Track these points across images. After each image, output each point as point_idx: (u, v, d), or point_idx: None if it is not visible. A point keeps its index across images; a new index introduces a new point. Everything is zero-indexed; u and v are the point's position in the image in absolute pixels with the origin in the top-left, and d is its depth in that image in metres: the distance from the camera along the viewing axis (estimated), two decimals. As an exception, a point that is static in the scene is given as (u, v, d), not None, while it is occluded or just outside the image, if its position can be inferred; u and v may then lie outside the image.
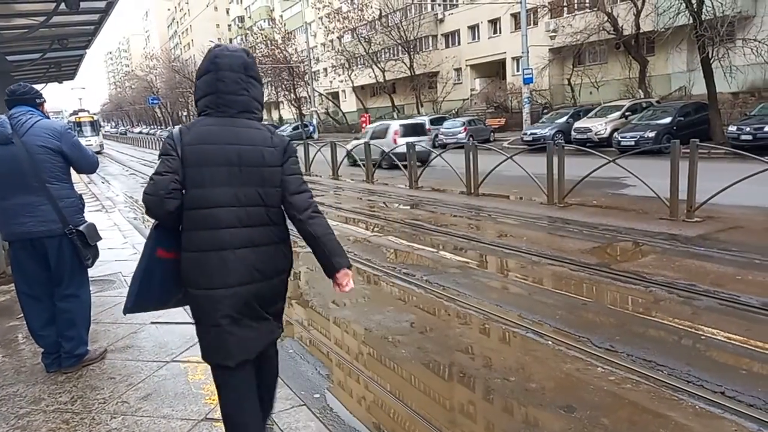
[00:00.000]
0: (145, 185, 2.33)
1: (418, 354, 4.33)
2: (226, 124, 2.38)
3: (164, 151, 2.36)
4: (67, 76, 16.06)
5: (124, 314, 2.72)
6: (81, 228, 3.83)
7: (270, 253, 2.46)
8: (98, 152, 36.50)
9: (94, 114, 48.85)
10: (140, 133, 78.97)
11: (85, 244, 3.85)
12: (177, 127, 2.46)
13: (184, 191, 2.33)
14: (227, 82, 2.37)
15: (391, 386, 3.96)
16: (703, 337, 4.29)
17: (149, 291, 2.54)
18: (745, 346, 4.10)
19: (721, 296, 5.06)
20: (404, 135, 17.49)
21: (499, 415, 3.54)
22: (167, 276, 2.46)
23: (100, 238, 4.04)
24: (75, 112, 44.19)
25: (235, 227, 2.35)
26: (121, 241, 8.78)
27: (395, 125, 18.75)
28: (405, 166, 14.00)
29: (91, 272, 6.79)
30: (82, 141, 32.10)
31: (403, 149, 14.45)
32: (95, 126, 43.19)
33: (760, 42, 18.16)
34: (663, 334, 4.43)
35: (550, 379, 3.82)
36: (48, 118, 4.03)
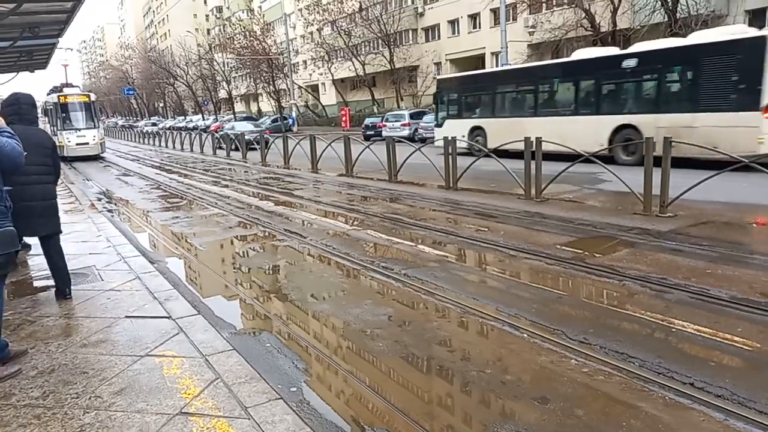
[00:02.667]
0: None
1: (396, 347, 4.36)
2: (26, 128, 4.92)
3: None
4: (38, 65, 15.73)
5: None
6: None
7: (47, 189, 5.21)
8: (97, 156, 25.73)
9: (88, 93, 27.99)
10: (117, 125, 75.82)
11: None
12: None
13: None
14: (24, 109, 5.07)
15: (368, 379, 3.98)
16: (673, 330, 4.39)
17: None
18: (713, 338, 4.21)
19: (691, 290, 5.18)
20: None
21: (475, 407, 3.58)
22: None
23: (15, 247, 3.95)
24: (58, 89, 26.49)
25: (34, 175, 4.96)
26: (95, 234, 8.64)
27: None
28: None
29: (64, 266, 6.69)
30: (72, 136, 24.69)
31: None
32: (92, 111, 25.69)
33: (732, 41, 18.51)
34: (635, 326, 4.53)
35: (525, 371, 3.88)
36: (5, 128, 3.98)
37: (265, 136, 23.17)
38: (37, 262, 7.13)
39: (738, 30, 13.14)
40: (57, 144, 27.06)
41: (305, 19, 47.13)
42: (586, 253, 6.73)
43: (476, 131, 17.94)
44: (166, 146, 35.15)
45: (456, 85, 20.48)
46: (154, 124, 61.84)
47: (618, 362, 3.88)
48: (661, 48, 14.14)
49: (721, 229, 7.44)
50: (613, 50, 16.09)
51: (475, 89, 19.50)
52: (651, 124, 13.34)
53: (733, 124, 11.64)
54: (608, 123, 14.42)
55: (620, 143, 13.73)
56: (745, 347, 4.04)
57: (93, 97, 26.85)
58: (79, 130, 24.98)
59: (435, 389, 3.87)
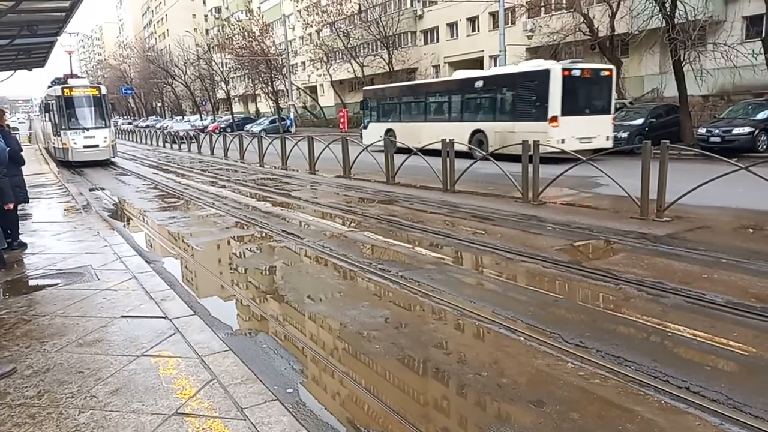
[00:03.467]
0: None
1: (393, 349, 4.35)
2: None
3: None
4: (36, 63, 15.68)
5: None
6: None
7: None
8: (106, 161, 22.11)
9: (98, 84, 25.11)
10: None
11: None
12: None
13: None
14: None
15: (365, 381, 3.98)
16: (669, 334, 4.40)
17: None
18: (709, 342, 4.22)
19: (687, 294, 5.19)
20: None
21: (471, 409, 3.58)
22: None
23: (1, 245, 4.34)
24: (61, 80, 22.18)
25: None
26: (91, 233, 8.62)
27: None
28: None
29: (60, 265, 6.71)
30: (79, 137, 22.26)
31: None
32: (102, 107, 21.80)
33: (729, 46, 18.62)
34: (631, 330, 4.53)
35: (521, 374, 3.88)
36: (8, 132, 4.14)
37: (193, 133, 32.57)
38: (33, 260, 7.11)
39: (538, 63, 18.20)
40: (61, 146, 21.39)
41: (304, 20, 47.13)
42: (583, 256, 6.74)
43: (389, 132, 21.86)
44: (164, 146, 35.09)
45: (376, 95, 25.41)
46: (129, 123, 74.20)
47: (614, 366, 3.89)
48: (496, 74, 19.67)
49: (717, 234, 7.46)
50: (474, 73, 20.93)
51: (388, 99, 24.49)
52: (491, 129, 17.93)
53: (534, 131, 15.43)
54: (468, 128, 18.77)
55: (475, 143, 17.85)
56: (740, 352, 4.06)
57: (104, 90, 22.59)
58: (87, 129, 21.13)
59: (431, 392, 3.87)
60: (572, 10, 24.33)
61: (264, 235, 8.68)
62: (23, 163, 7.72)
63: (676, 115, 18.94)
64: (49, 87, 22.63)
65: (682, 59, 18.30)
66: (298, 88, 52.09)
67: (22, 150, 7.58)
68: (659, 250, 6.81)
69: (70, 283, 5.94)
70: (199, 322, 4.77)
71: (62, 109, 20.82)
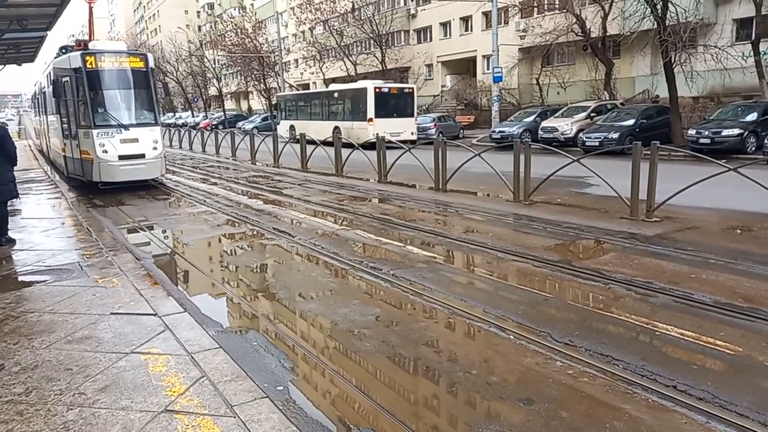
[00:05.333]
0: None
1: (383, 347, 4.36)
2: None
3: None
4: (26, 58, 15.54)
5: None
6: None
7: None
8: (153, 181, 13.92)
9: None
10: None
11: None
12: None
13: None
14: None
15: (355, 379, 3.98)
16: (658, 333, 4.44)
17: None
18: (697, 342, 4.26)
19: (676, 294, 5.24)
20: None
21: (461, 407, 3.60)
22: None
23: None
24: (76, 46, 13.28)
25: None
26: (80, 229, 8.56)
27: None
28: None
29: (49, 261, 6.67)
30: (112, 141, 13.04)
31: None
32: (150, 90, 13.27)
33: (720, 48, 18.75)
34: (620, 329, 4.57)
35: (511, 372, 3.90)
36: (6, 131, 4.01)
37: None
38: (22, 257, 7.06)
39: (365, 84, 25.79)
40: (78, 155, 12.54)
41: (297, 17, 46.88)
42: (573, 256, 6.78)
43: (292, 128, 30.06)
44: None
45: (285, 99, 34.11)
46: None
47: (602, 364, 3.92)
48: (342, 89, 27.84)
49: (706, 235, 7.52)
50: (336, 87, 29.12)
51: (291, 102, 33.05)
52: (342, 126, 25.55)
53: (361, 127, 24.16)
54: (331, 125, 26.04)
55: (336, 135, 23.25)
56: (727, 351, 4.10)
57: (151, 60, 13.79)
58: (126, 128, 12.68)
59: (421, 390, 3.88)
60: (565, 10, 24.40)
61: (255, 232, 8.65)
62: (16, 163, 7.71)
63: (667, 116, 19.06)
64: (57, 57, 13.58)
65: (673, 61, 18.42)
66: (291, 86, 51.93)
67: (16, 148, 7.61)
68: (648, 250, 6.87)
69: (59, 280, 5.90)
70: (189, 319, 4.75)
71: (83, 92, 12.35)
